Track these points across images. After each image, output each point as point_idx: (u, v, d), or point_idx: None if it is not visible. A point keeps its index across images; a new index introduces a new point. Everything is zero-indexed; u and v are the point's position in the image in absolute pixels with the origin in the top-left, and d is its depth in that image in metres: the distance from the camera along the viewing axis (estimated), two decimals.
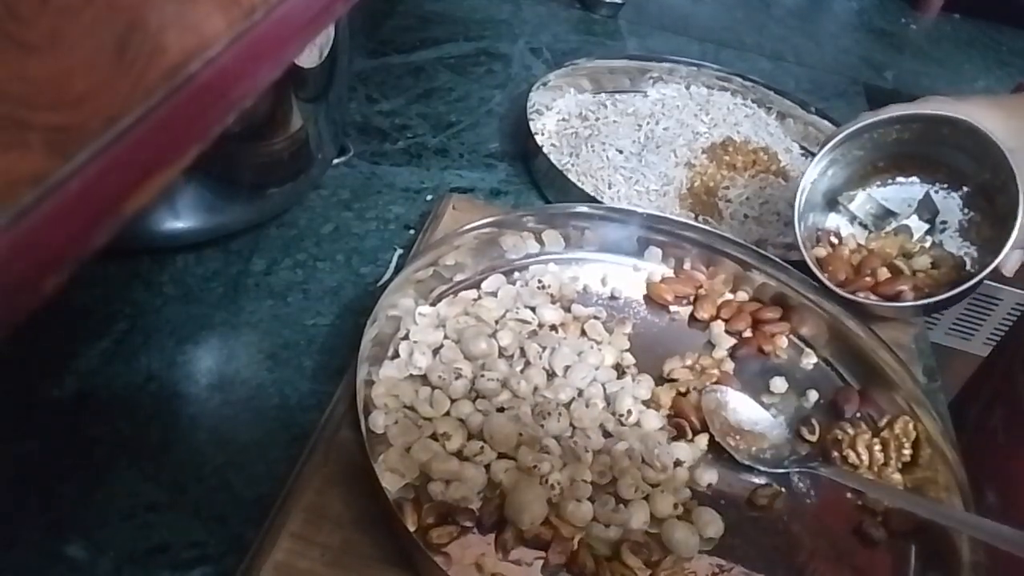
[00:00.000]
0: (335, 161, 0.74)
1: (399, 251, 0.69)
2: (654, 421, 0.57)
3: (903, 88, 1.13)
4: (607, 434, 0.56)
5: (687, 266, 0.69)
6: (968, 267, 0.67)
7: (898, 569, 0.53)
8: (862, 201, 0.71)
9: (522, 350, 0.59)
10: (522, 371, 0.57)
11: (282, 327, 0.60)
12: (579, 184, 0.76)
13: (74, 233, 0.19)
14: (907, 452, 0.58)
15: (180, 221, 0.60)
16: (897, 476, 0.57)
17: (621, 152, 0.82)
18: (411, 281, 0.59)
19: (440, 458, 0.51)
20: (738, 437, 0.57)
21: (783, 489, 0.55)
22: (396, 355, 0.57)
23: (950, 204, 0.69)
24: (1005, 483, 0.75)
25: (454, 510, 0.48)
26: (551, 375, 0.58)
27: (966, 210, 0.68)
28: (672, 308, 0.67)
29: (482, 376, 0.55)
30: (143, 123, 0.20)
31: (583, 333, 0.62)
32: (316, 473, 0.49)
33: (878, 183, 0.71)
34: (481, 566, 0.47)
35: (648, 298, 0.67)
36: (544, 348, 0.59)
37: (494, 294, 0.63)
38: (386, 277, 0.66)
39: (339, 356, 0.59)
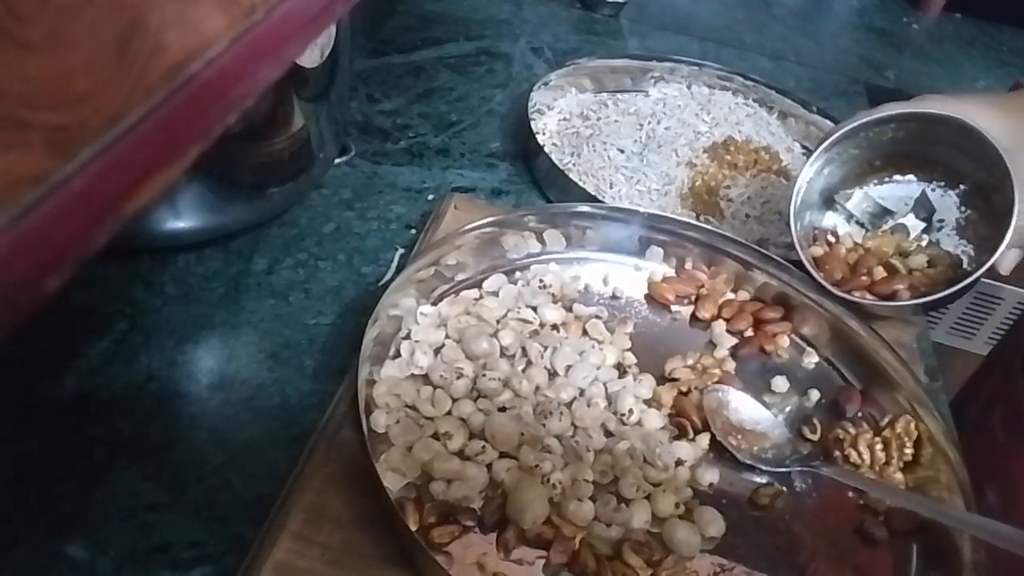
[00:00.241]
0: (336, 161, 0.74)
1: (400, 251, 0.69)
2: (655, 420, 0.57)
3: (904, 87, 1.13)
4: (608, 433, 0.56)
5: (688, 266, 0.69)
6: (965, 265, 0.67)
7: (899, 569, 0.53)
8: (859, 200, 0.71)
9: (524, 350, 0.58)
10: (524, 371, 0.57)
11: (283, 327, 0.60)
12: (580, 184, 0.76)
13: (75, 233, 0.19)
14: (908, 451, 0.58)
15: (181, 220, 0.60)
16: (899, 475, 0.57)
17: (622, 152, 0.82)
18: (412, 281, 0.59)
19: (442, 457, 0.51)
20: (739, 436, 0.57)
21: (784, 489, 0.55)
22: (398, 354, 0.57)
23: (947, 203, 0.69)
24: (1005, 482, 0.75)
25: (456, 509, 0.48)
26: (552, 374, 0.58)
27: (963, 208, 0.68)
28: (673, 307, 0.67)
29: (483, 375, 0.55)
30: (144, 123, 0.20)
31: (584, 333, 0.62)
32: (316, 473, 0.49)
33: (875, 181, 0.71)
34: (483, 565, 0.47)
35: (649, 297, 0.67)
36: (546, 348, 0.59)
37: (495, 294, 0.63)
38: (387, 276, 0.66)
39: (340, 356, 0.59)
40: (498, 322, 0.60)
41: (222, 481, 0.50)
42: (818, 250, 0.68)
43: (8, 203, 0.17)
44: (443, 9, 1.04)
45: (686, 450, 0.55)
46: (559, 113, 0.88)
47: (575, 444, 0.53)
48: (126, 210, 0.20)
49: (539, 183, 0.79)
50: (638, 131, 0.85)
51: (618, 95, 0.92)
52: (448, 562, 0.47)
